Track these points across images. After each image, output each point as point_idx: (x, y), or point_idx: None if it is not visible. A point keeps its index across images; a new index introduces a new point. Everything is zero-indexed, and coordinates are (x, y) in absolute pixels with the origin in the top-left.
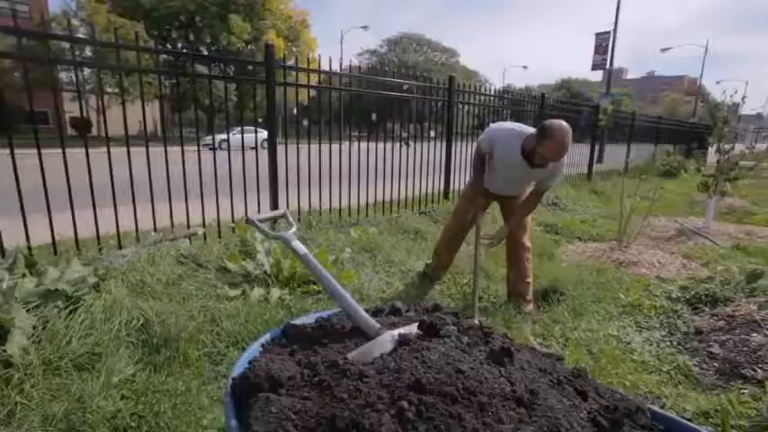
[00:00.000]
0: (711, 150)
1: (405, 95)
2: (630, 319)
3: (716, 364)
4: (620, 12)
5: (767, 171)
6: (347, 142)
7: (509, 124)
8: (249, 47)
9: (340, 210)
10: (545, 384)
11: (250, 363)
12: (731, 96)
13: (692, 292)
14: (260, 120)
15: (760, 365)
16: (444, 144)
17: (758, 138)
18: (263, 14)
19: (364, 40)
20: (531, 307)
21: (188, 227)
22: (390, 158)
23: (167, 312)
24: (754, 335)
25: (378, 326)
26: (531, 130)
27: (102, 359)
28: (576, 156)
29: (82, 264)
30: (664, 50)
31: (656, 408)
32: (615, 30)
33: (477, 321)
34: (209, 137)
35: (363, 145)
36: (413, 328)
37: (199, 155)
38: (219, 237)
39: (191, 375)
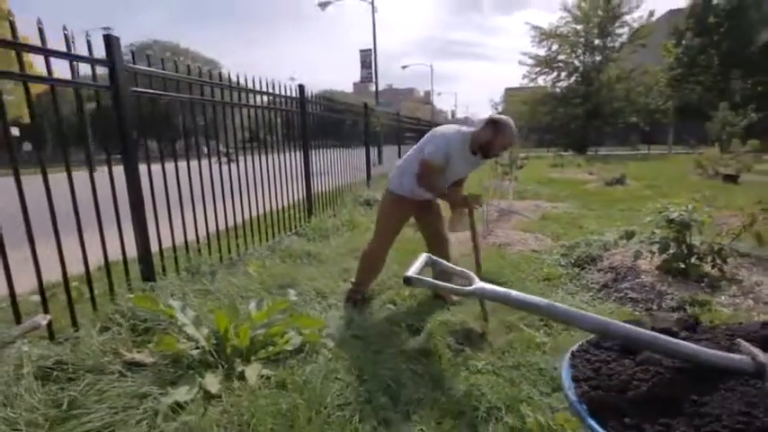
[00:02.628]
0: None
1: (242, 104)
2: (556, 288)
3: (641, 305)
4: (376, 34)
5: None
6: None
7: (451, 130)
8: None
9: (219, 244)
10: None
11: None
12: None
13: (574, 257)
14: None
15: (668, 296)
16: (301, 157)
17: None
18: None
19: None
20: (456, 296)
21: (16, 313)
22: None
23: None
24: (644, 277)
25: (750, 354)
26: (467, 128)
27: None
28: (358, 159)
29: None
30: (404, 67)
31: None
32: (375, 48)
33: None
34: None
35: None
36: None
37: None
38: (95, 309)
39: None
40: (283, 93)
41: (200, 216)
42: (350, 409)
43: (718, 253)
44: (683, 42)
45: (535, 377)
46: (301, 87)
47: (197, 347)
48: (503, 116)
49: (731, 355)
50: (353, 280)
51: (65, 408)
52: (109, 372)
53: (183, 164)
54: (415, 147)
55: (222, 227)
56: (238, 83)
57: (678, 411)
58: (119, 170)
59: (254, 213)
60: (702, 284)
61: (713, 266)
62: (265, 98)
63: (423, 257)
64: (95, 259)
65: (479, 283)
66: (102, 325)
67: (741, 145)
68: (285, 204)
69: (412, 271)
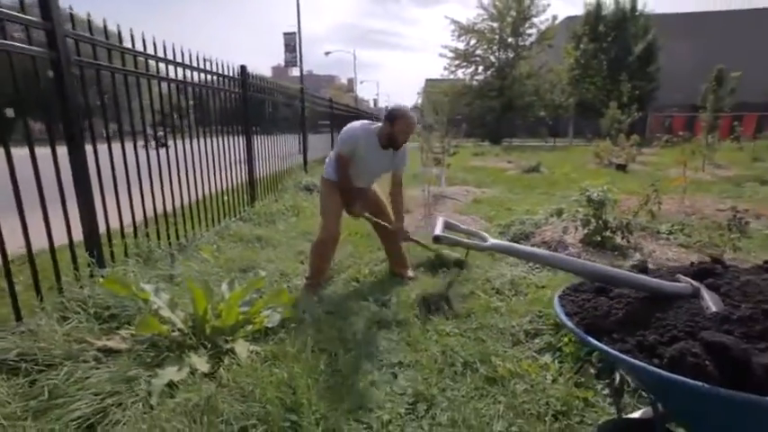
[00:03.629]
0: None
1: (192, 83)
2: (500, 261)
3: None
4: (300, 16)
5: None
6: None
7: (358, 123)
8: None
9: (167, 229)
10: None
11: None
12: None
13: (511, 234)
14: None
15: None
16: (242, 141)
17: None
18: None
19: None
20: (412, 273)
21: None
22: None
23: None
24: (571, 249)
25: (688, 282)
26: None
27: None
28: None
29: None
30: (327, 53)
31: None
32: (299, 32)
33: None
34: None
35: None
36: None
37: None
38: (40, 298)
39: None
40: (226, 72)
41: (140, 199)
42: (341, 375)
43: (626, 227)
44: (581, 46)
45: (496, 335)
46: (243, 68)
47: (174, 330)
48: (397, 106)
49: (676, 284)
50: (308, 275)
51: (45, 398)
52: (83, 360)
53: (117, 145)
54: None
55: (163, 211)
56: (183, 60)
57: (646, 326)
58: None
59: (196, 198)
60: (616, 253)
61: (622, 238)
62: (204, 78)
63: (440, 220)
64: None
65: (492, 241)
66: (60, 315)
67: (626, 139)
68: (228, 189)
69: (438, 231)
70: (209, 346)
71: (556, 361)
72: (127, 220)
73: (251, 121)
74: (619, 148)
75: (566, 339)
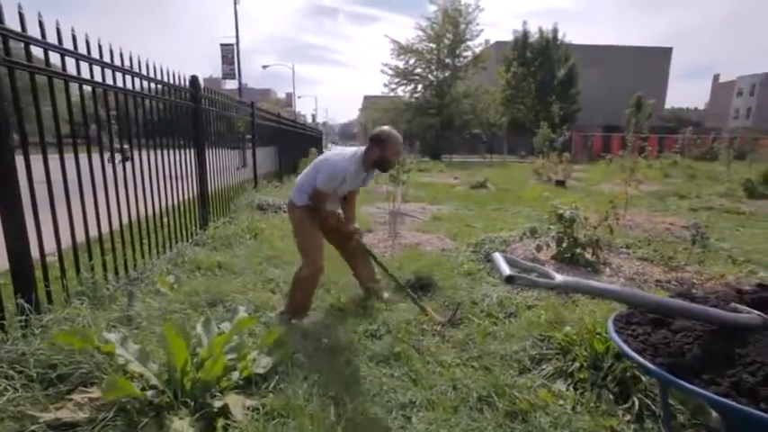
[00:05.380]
0: None
1: (142, 94)
2: (480, 281)
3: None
4: (238, 27)
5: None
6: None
7: (347, 154)
8: None
9: (114, 258)
10: None
11: None
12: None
13: (483, 253)
14: None
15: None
16: (195, 159)
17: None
18: None
19: None
20: (386, 294)
21: None
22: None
23: None
24: (545, 266)
25: (752, 313)
26: (354, 149)
27: None
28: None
29: None
30: (265, 67)
31: None
32: (237, 43)
33: None
34: None
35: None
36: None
37: None
38: None
39: None
40: (176, 83)
41: (81, 220)
42: (353, 425)
43: (596, 243)
44: (511, 69)
45: (501, 363)
46: (194, 78)
47: (146, 388)
48: (383, 129)
49: (742, 315)
50: (286, 308)
51: None
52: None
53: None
54: (310, 166)
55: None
56: (131, 67)
57: (729, 364)
58: None
59: (146, 218)
60: (588, 269)
61: (592, 254)
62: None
63: (499, 256)
64: None
65: (560, 277)
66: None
67: (559, 157)
68: (175, 211)
69: (507, 270)
70: (194, 404)
71: (570, 388)
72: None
73: (202, 134)
74: (556, 165)
75: (577, 364)
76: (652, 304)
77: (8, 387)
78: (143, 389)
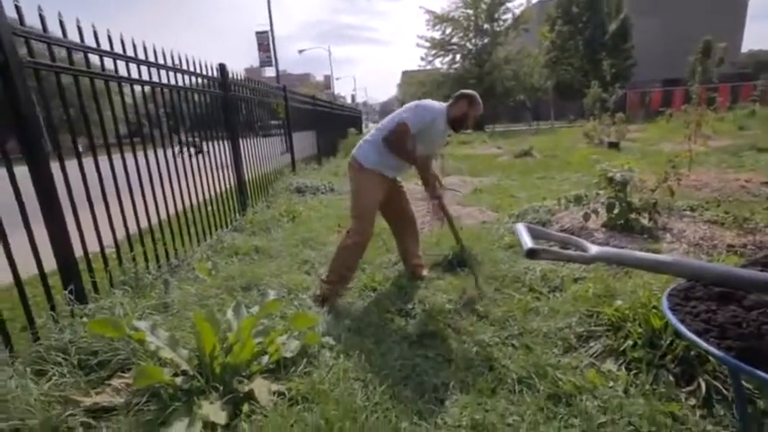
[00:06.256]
0: None
1: (170, 86)
2: (522, 256)
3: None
4: (271, 13)
5: None
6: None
7: (430, 103)
8: None
9: (155, 249)
10: None
11: None
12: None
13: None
14: None
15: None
16: (230, 148)
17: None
18: None
19: None
20: (427, 272)
21: None
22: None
23: None
24: (596, 235)
25: None
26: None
27: None
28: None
29: None
30: (301, 51)
31: None
32: (272, 29)
33: None
34: None
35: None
36: None
37: None
38: (9, 348)
39: None
40: (205, 72)
41: (121, 216)
42: (382, 409)
43: (654, 206)
44: (556, 28)
45: (543, 342)
46: (222, 67)
47: (177, 373)
48: (469, 90)
49: None
50: (327, 278)
51: None
52: (69, 427)
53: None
54: (387, 119)
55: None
56: (156, 60)
57: None
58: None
59: (183, 210)
60: (645, 236)
61: (650, 219)
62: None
63: (522, 227)
64: None
65: (595, 248)
66: (36, 369)
67: (611, 117)
68: (216, 197)
69: (529, 243)
70: (222, 388)
71: (623, 368)
72: (103, 242)
73: (235, 123)
74: (608, 127)
75: (630, 342)
76: (716, 275)
77: (56, 372)
78: (174, 374)
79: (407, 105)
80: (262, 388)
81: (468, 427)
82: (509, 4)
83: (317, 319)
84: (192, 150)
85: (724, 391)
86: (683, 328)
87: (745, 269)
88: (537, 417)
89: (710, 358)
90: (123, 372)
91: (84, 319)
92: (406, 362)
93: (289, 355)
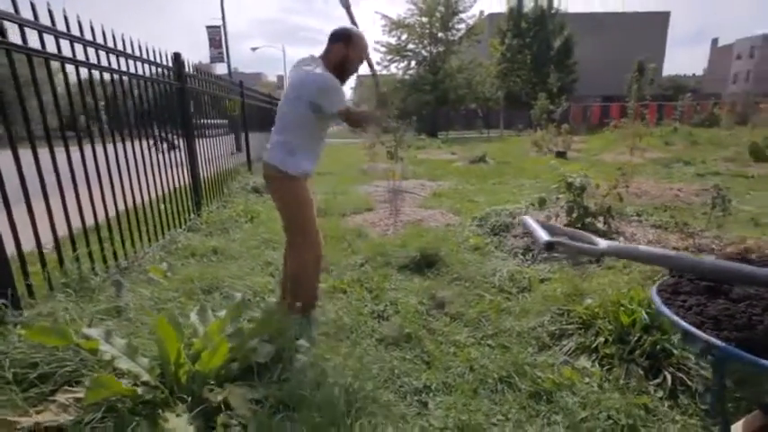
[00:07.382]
0: None
1: (129, 73)
2: (488, 255)
3: (565, 261)
4: (224, 7)
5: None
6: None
7: (310, 69)
8: None
9: (101, 248)
10: None
11: None
12: None
13: (488, 227)
14: None
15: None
16: (185, 144)
17: None
18: None
19: None
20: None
21: None
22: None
23: None
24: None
25: None
26: (308, 59)
27: None
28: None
29: None
30: (254, 49)
31: None
32: (224, 24)
33: None
34: None
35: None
36: None
37: None
38: None
39: None
40: (159, 61)
41: (63, 211)
42: (365, 414)
43: (608, 211)
44: (506, 41)
45: (518, 341)
46: (177, 56)
47: (137, 384)
48: (344, 26)
49: None
50: (302, 305)
51: None
52: None
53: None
54: (284, 107)
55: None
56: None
57: None
58: None
59: (134, 207)
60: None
61: (604, 223)
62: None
63: (532, 221)
64: None
65: (605, 243)
66: None
67: (558, 128)
68: (168, 195)
69: (545, 236)
70: (189, 399)
71: (596, 364)
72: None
73: (190, 117)
74: (555, 137)
75: (601, 339)
76: (707, 270)
77: None
78: (134, 385)
79: (295, 82)
80: (237, 396)
81: (454, 428)
82: (463, 15)
83: (290, 322)
84: (165, 146)
85: (688, 382)
86: (683, 323)
87: (733, 263)
88: (520, 415)
89: (674, 352)
90: (71, 385)
91: (19, 328)
92: (385, 365)
93: (262, 360)
